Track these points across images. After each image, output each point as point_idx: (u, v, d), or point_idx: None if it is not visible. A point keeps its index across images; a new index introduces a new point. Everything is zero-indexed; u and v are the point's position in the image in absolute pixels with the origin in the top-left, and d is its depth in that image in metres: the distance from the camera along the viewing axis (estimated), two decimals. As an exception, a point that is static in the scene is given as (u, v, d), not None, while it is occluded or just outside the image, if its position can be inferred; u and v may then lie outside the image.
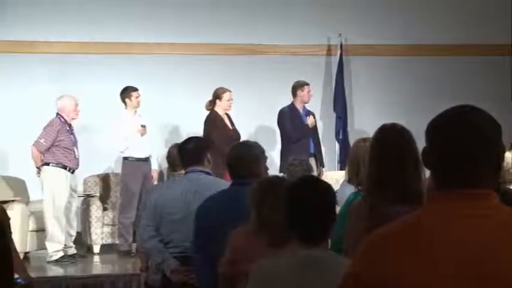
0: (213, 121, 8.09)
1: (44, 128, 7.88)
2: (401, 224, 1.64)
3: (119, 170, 8.57)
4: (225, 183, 4.72)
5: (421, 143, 1.75)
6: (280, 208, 3.04)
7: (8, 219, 4.27)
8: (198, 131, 8.33)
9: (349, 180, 4.02)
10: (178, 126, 9.44)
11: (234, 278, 3.24)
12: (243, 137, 7.90)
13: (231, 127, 8.20)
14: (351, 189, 3.75)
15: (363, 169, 3.34)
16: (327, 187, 2.68)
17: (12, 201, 7.92)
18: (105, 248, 8.51)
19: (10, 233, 4.36)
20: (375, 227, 1.72)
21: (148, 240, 4.53)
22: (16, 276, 4.36)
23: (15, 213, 7.42)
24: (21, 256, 7.56)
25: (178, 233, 4.42)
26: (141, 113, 8.42)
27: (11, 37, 9.06)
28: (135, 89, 8.35)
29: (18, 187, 8.57)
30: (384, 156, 3.07)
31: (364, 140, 3.97)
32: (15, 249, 4.57)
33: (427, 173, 1.71)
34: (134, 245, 7.75)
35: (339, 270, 1.85)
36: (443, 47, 9.91)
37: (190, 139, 4.72)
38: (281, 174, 6.49)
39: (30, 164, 8.01)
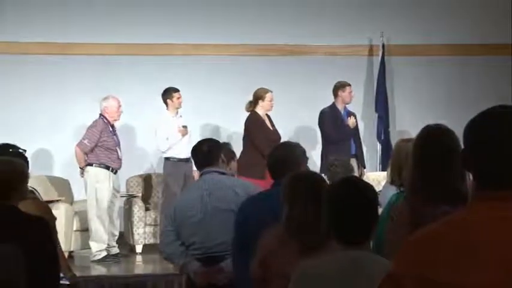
0: (254, 122, 8.11)
1: (88, 128, 7.99)
2: (444, 224, 1.63)
3: (161, 171, 8.64)
4: (238, 181, 4.76)
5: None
6: (311, 205, 3.02)
7: (54, 219, 4.34)
8: (239, 131, 8.37)
9: (392, 181, 4.00)
10: (218, 127, 9.49)
11: (265, 282, 3.22)
12: (284, 138, 7.90)
13: (271, 128, 8.21)
14: (393, 190, 3.73)
15: (405, 170, 3.32)
16: (369, 188, 2.68)
17: (57, 201, 8.03)
18: (147, 248, 8.59)
19: (56, 232, 4.45)
20: (417, 227, 1.72)
21: (168, 245, 4.56)
22: (61, 275, 4.44)
23: (59, 213, 7.53)
24: (66, 255, 7.68)
25: (198, 234, 4.46)
26: (182, 113, 8.49)
27: (60, 39, 9.19)
28: (177, 90, 8.41)
29: (63, 187, 8.70)
30: (428, 157, 3.05)
31: (407, 140, 3.95)
32: (60, 249, 4.67)
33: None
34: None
35: (381, 271, 1.84)
36: (490, 47, 9.76)
37: (203, 141, 4.81)
38: (322, 175, 6.50)
39: (74, 164, 8.13)
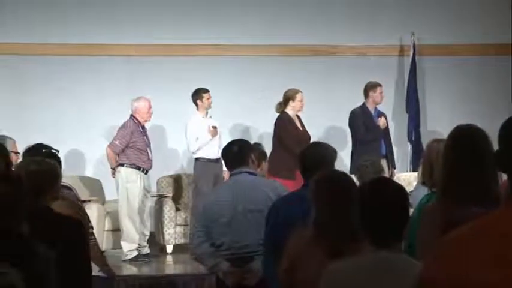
0: (284, 123, 8.11)
1: (118, 129, 8.05)
2: (477, 226, 1.61)
3: (191, 171, 8.67)
4: (269, 181, 4.75)
5: (496, 145, 1.72)
6: (339, 207, 3.00)
7: (87, 218, 4.38)
8: (269, 132, 8.37)
9: (423, 182, 3.97)
10: (249, 128, 9.50)
11: (292, 285, 3.21)
12: (313, 138, 7.89)
13: (301, 128, 8.20)
14: (424, 191, 3.71)
15: (437, 170, 3.30)
16: (400, 188, 2.66)
17: (89, 201, 8.11)
18: (178, 248, 8.63)
19: (91, 228, 4.52)
20: (449, 228, 1.71)
21: (199, 245, 4.57)
22: (98, 270, 4.54)
23: (91, 213, 7.58)
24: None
25: (228, 235, 4.46)
26: (212, 114, 8.51)
27: (92, 40, 9.26)
28: (207, 91, 8.43)
29: (95, 187, 8.77)
30: (460, 157, 3.03)
31: (438, 141, 3.92)
32: (96, 244, 4.75)
33: (504, 174, 1.67)
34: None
35: (412, 273, 1.83)
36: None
37: (234, 142, 4.80)
38: (352, 176, 6.47)
39: (106, 164, 8.20)
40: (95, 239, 4.88)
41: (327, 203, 3.08)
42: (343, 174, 3.29)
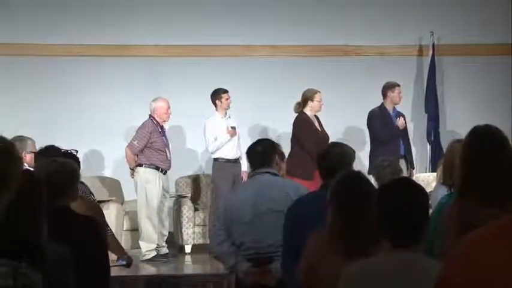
0: (302, 123, 8.10)
1: (137, 130, 8.08)
2: (497, 226, 1.61)
3: (209, 171, 8.69)
4: (290, 182, 4.74)
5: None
6: (356, 208, 2.99)
7: (104, 220, 4.41)
8: (287, 132, 8.36)
9: (443, 182, 3.96)
10: (267, 128, 9.50)
11: (311, 285, 3.20)
12: (332, 139, 7.87)
13: (319, 129, 8.19)
14: (444, 191, 3.70)
15: (457, 171, 3.28)
16: (420, 189, 2.65)
17: (108, 201, 8.14)
18: (196, 248, 8.64)
19: (108, 228, 4.57)
20: (467, 229, 1.70)
21: (219, 244, 4.56)
22: (117, 257, 4.65)
23: (110, 213, 7.63)
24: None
25: (248, 235, 4.45)
26: (231, 114, 8.52)
27: (112, 41, 9.31)
28: (225, 91, 8.44)
29: (114, 187, 8.81)
30: (477, 157, 3.01)
31: (459, 141, 3.90)
32: (113, 235, 4.87)
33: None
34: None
35: (433, 273, 1.82)
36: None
37: (258, 142, 4.79)
38: (369, 176, 6.45)
39: (125, 164, 8.24)
40: (111, 229, 4.96)
41: (343, 204, 3.07)
42: (360, 175, 3.27)
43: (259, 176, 4.56)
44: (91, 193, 4.96)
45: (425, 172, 8.95)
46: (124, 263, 4.64)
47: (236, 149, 8.44)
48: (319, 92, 8.21)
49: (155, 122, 8.07)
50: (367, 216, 2.94)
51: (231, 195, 4.70)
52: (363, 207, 2.97)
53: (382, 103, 8.57)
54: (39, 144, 5.63)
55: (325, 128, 8.23)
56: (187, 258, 8.50)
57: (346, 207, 3.06)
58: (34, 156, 5.11)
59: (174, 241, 8.74)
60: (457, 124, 9.28)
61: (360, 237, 2.96)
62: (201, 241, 8.66)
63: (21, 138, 5.95)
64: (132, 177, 8.11)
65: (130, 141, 8.06)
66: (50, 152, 4.56)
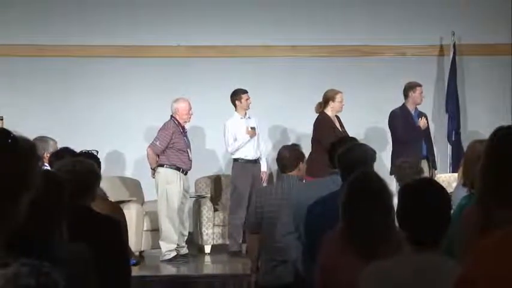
0: (323, 123, 8.08)
1: (159, 130, 8.11)
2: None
3: (229, 172, 8.70)
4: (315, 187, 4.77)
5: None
6: (369, 209, 2.97)
7: (124, 217, 4.42)
8: (308, 133, 8.35)
9: (464, 183, 3.93)
10: (287, 128, 9.49)
11: (329, 284, 3.19)
12: (353, 139, 7.83)
13: (340, 129, 8.17)
14: (464, 192, 3.67)
15: (477, 171, 3.26)
16: (441, 190, 2.64)
17: (128, 201, 8.17)
18: (216, 248, 8.65)
19: (126, 231, 4.57)
20: (487, 230, 1.69)
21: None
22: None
23: (131, 213, 7.65)
24: (136, 254, 7.82)
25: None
26: (251, 114, 8.52)
27: (132, 42, 9.34)
28: (245, 91, 8.45)
29: (134, 188, 8.84)
30: (500, 158, 2.99)
31: (480, 141, 3.88)
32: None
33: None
34: (244, 246, 7.84)
35: (453, 274, 1.82)
36: None
37: (286, 147, 4.95)
38: (391, 177, 6.42)
39: (145, 165, 8.27)
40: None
41: (356, 204, 3.06)
42: (374, 175, 3.23)
43: (287, 179, 4.87)
44: (105, 194, 4.97)
45: (447, 172, 8.89)
46: (134, 262, 4.68)
47: (256, 150, 8.44)
48: (341, 92, 8.19)
49: (176, 123, 8.09)
50: (380, 217, 2.93)
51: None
52: (375, 207, 2.96)
53: (404, 103, 8.53)
54: (61, 145, 5.67)
55: (346, 129, 8.20)
56: (207, 258, 8.51)
57: (358, 207, 3.04)
58: (48, 159, 5.11)
59: (193, 241, 8.76)
60: (478, 125, 9.22)
61: (372, 237, 2.95)
62: (220, 241, 8.67)
63: (43, 139, 5.99)
64: (153, 178, 8.14)
65: (152, 142, 8.09)
66: (64, 153, 4.57)
